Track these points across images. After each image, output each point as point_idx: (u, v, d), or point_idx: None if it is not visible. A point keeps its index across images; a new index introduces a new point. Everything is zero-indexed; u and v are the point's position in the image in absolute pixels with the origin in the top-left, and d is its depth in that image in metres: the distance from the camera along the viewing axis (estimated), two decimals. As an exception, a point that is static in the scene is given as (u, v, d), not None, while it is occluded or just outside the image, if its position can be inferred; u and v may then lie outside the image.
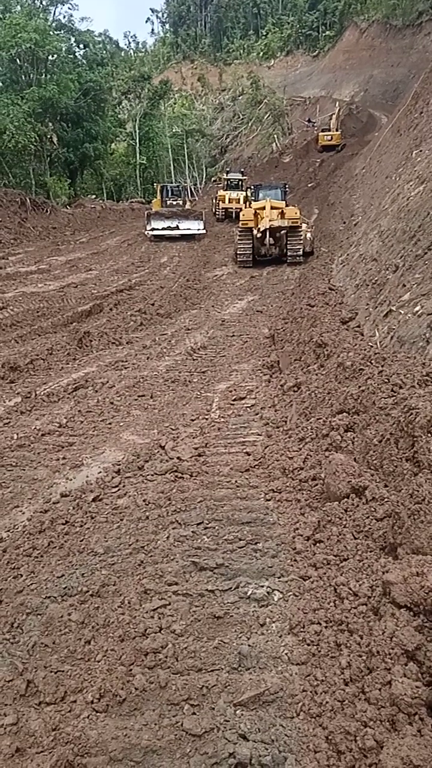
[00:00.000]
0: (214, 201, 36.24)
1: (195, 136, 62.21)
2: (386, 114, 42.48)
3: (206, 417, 6.50)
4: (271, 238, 18.99)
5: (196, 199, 50.41)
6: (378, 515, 3.46)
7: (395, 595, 2.56)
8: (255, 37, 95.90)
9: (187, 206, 29.74)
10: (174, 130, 57.92)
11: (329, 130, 47.22)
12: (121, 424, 6.54)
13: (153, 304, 14.07)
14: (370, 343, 7.28)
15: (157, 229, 25.73)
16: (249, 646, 2.79)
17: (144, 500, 4.46)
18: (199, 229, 26.21)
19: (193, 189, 57.82)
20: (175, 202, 29.08)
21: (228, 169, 45.05)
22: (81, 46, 42.67)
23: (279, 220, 18.79)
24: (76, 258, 21.38)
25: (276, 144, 58.91)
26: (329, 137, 46.30)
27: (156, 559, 3.58)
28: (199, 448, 5.42)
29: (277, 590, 3.17)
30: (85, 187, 47.11)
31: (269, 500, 4.19)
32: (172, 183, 37.89)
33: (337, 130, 46.97)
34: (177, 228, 25.86)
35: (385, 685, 2.29)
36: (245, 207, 22.71)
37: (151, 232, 25.74)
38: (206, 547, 3.62)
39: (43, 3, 39.84)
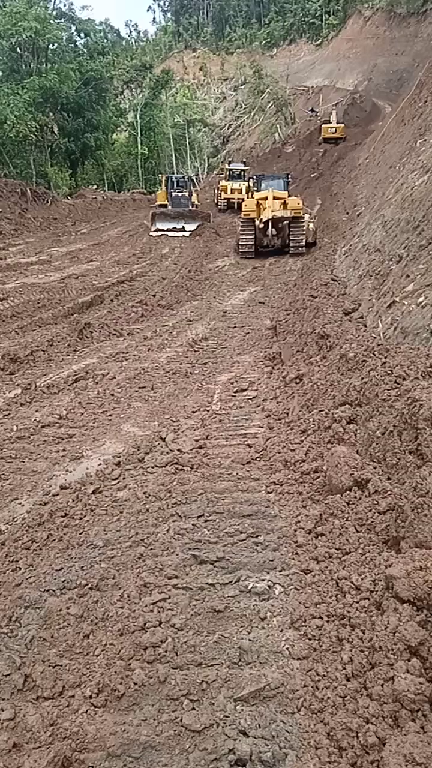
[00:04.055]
0: (216, 191, 36.04)
1: (197, 126, 61.85)
2: (390, 103, 42.04)
3: (207, 409, 6.45)
4: (273, 229, 18.82)
5: (198, 189, 50.15)
6: (381, 508, 3.41)
7: (398, 589, 2.52)
8: (257, 25, 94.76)
9: (194, 198, 28.61)
10: (176, 120, 57.55)
11: (329, 122, 46.63)
12: (122, 415, 6.50)
13: (154, 296, 13.98)
14: (373, 335, 7.22)
15: (162, 230, 24.95)
16: (249, 640, 2.76)
17: (144, 493, 4.42)
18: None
19: (195, 179, 57.52)
20: (180, 194, 28.01)
21: (230, 159, 44.76)
22: (82, 35, 42.43)
23: (281, 210, 18.61)
24: (77, 249, 21.25)
25: (279, 134, 58.42)
26: (333, 129, 45.65)
27: (156, 552, 3.54)
28: (200, 440, 5.38)
29: (279, 584, 3.13)
30: (86, 178, 46.84)
31: (270, 493, 4.15)
32: (177, 174, 37.24)
33: (339, 123, 46.35)
34: (183, 229, 25.06)
35: (388, 681, 2.26)
36: (247, 197, 22.56)
37: (154, 233, 24.92)
38: (207, 540, 3.58)
39: (44, -9, 39.51)
